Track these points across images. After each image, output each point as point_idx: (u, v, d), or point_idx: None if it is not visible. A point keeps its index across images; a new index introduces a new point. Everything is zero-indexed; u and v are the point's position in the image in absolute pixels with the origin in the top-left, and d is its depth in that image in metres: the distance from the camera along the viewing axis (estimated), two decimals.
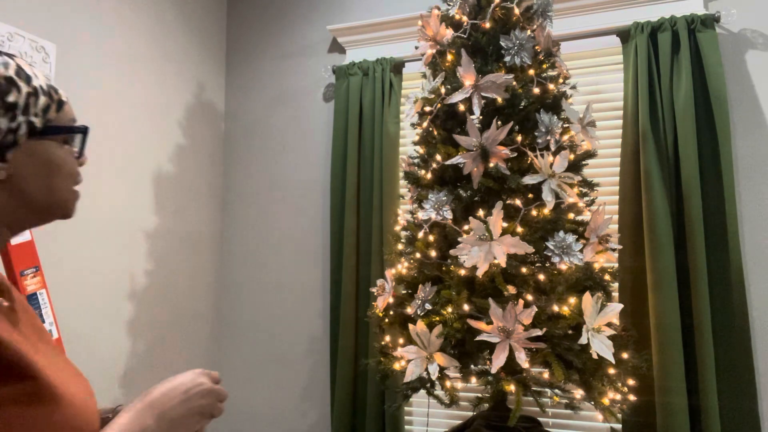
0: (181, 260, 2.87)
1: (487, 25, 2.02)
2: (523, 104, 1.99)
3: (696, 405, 2.14)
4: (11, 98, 0.69)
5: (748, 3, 2.34)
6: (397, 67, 2.78)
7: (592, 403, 1.83)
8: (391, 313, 2.06)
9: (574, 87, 2.14)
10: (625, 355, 1.87)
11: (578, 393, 1.89)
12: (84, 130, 0.80)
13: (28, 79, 0.72)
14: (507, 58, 1.97)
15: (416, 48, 2.22)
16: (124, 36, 2.56)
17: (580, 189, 2.03)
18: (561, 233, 1.84)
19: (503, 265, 1.79)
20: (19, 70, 0.72)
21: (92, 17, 2.39)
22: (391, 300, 2.04)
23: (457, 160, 1.93)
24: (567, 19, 2.56)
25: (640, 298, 2.28)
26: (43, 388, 0.64)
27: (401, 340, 1.96)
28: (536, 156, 1.89)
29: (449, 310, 1.87)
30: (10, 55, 0.73)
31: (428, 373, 1.86)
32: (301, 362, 2.94)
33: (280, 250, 3.03)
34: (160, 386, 0.80)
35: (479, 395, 2.08)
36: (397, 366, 1.97)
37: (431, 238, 2.03)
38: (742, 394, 2.12)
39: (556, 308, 1.80)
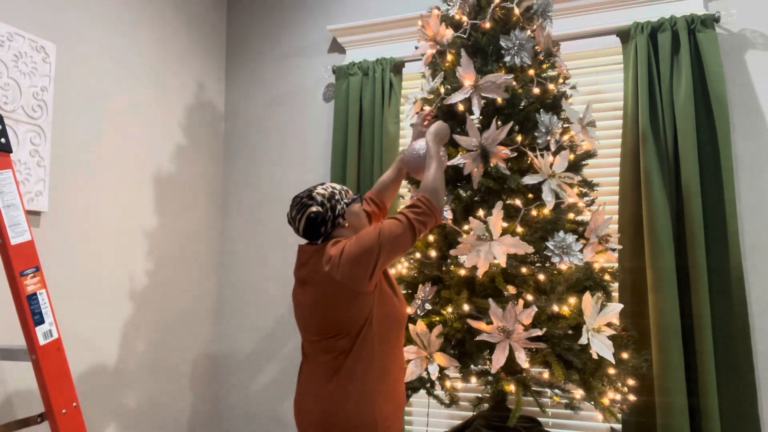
0: (181, 260, 2.87)
1: (487, 25, 2.02)
2: (523, 104, 1.99)
3: (696, 405, 2.14)
4: (336, 197, 1.65)
5: (748, 3, 2.34)
6: (397, 67, 2.78)
7: (592, 403, 1.83)
8: None
9: (574, 87, 2.14)
10: (625, 355, 1.87)
11: (578, 393, 1.89)
12: (358, 197, 1.73)
13: (333, 188, 1.69)
14: (507, 58, 1.97)
15: (416, 48, 2.22)
16: (124, 36, 2.56)
17: (580, 189, 2.02)
18: (561, 233, 1.84)
19: (503, 265, 1.79)
20: (331, 188, 1.69)
21: (92, 17, 2.39)
22: None
23: (457, 160, 1.93)
24: (567, 19, 2.56)
25: (640, 298, 2.28)
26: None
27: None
28: (536, 156, 1.89)
29: (449, 310, 1.87)
30: (322, 184, 1.69)
31: (428, 373, 1.86)
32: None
33: (280, 250, 3.03)
34: (431, 128, 1.79)
35: (479, 395, 2.08)
36: None
37: (431, 238, 2.03)
38: (742, 394, 2.12)
39: (556, 308, 1.81)
